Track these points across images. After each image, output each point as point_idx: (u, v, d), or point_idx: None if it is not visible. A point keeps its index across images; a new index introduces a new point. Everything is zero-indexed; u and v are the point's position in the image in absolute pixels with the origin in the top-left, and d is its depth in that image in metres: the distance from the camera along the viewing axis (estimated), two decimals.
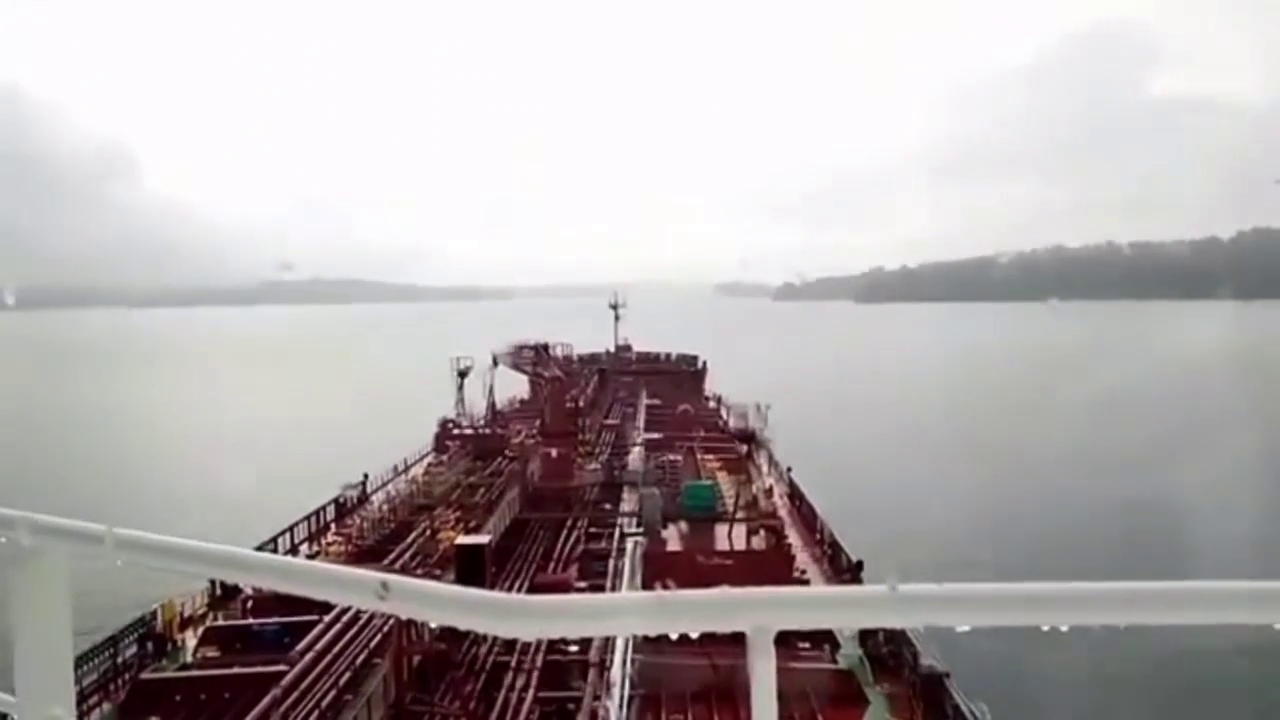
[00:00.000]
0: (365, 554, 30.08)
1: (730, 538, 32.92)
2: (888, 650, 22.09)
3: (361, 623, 21.66)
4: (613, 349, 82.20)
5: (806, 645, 20.33)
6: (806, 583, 26.31)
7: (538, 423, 44.89)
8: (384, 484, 40.87)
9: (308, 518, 34.59)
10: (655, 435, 49.34)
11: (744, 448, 50.07)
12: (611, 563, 29.26)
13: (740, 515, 34.45)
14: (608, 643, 20.16)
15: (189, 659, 23.27)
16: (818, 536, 33.11)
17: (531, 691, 20.79)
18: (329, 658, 20.38)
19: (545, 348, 49.87)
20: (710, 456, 46.45)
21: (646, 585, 25.13)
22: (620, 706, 18.10)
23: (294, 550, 31.65)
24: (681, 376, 74.97)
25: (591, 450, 45.81)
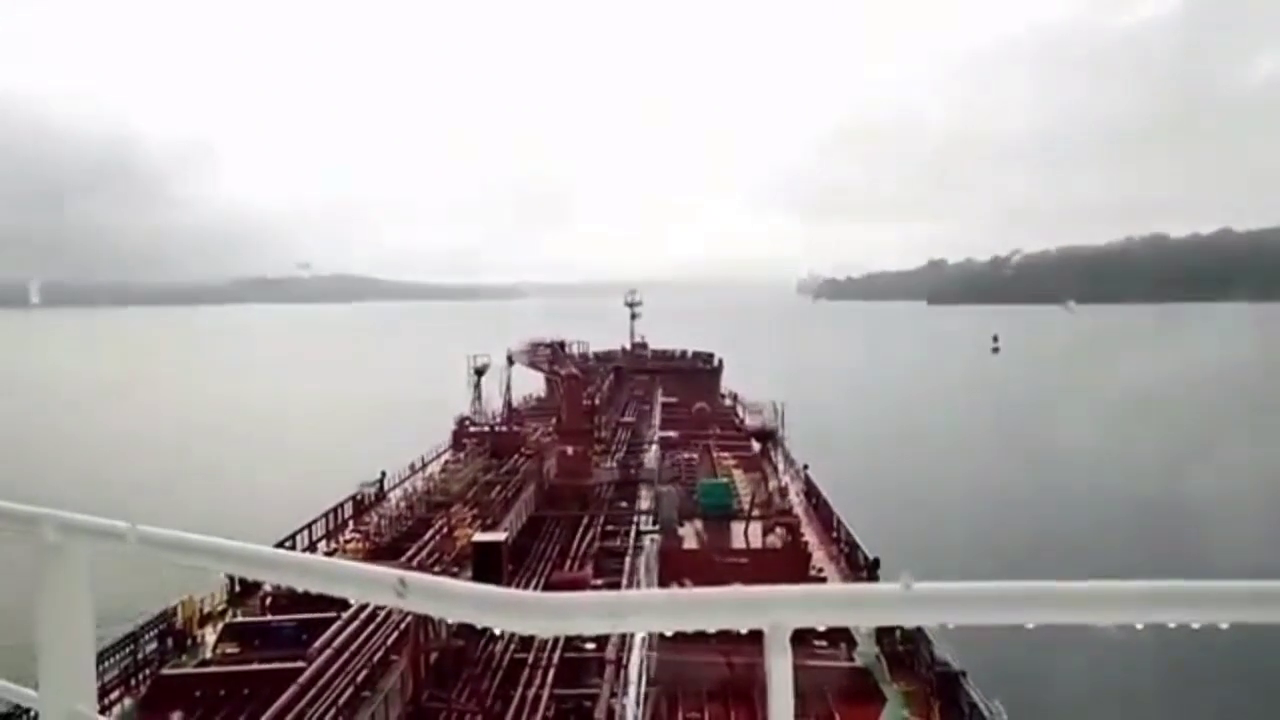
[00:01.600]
0: (383, 551, 30.20)
1: (746, 536, 32.88)
2: (904, 648, 22.05)
3: (379, 620, 21.76)
4: (628, 346, 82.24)
5: (823, 643, 20.31)
6: (822, 580, 26.27)
7: (554, 421, 44.95)
8: (401, 481, 41.04)
9: (325, 515, 34.78)
10: (671, 433, 49.36)
11: (760, 445, 50.05)
12: (628, 560, 29.27)
13: (756, 513, 34.40)
14: (624, 640, 20.16)
15: (208, 655, 23.43)
16: (834, 534, 33.04)
17: (548, 688, 20.83)
18: (346, 654, 20.49)
19: (561, 345, 49.92)
20: (726, 454, 46.42)
21: (662, 583, 25.17)
22: (637, 703, 18.12)
23: (312, 547, 31.83)
24: (697, 374, 74.92)
25: (607, 448, 45.83)
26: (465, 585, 1.74)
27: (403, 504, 36.48)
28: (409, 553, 28.95)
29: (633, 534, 32.39)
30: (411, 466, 43.68)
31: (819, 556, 30.88)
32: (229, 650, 23.33)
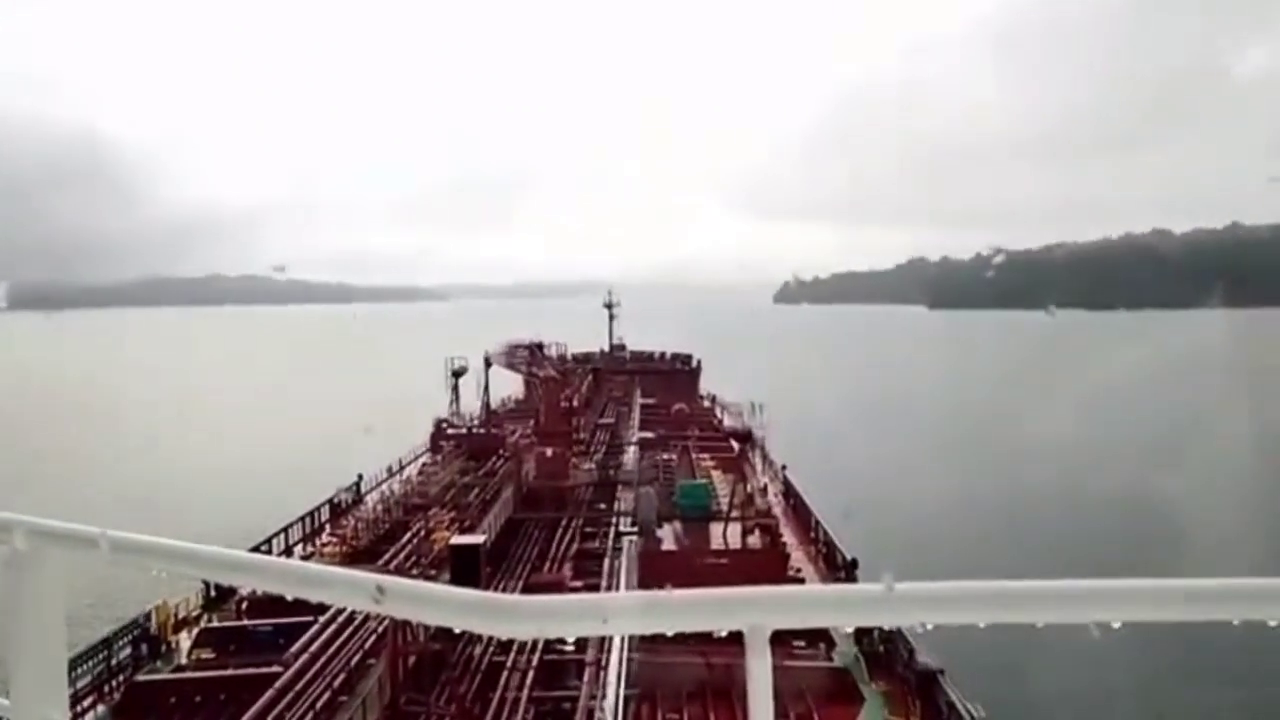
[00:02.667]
0: (360, 555, 30.02)
1: (725, 537, 32.93)
2: (883, 648, 22.14)
3: (356, 623, 21.63)
4: (607, 348, 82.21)
5: (802, 643, 20.40)
6: (801, 581, 26.33)
7: (532, 422, 44.83)
8: (378, 484, 40.81)
9: (302, 519, 34.56)
10: (650, 434, 49.32)
11: (739, 446, 50.14)
12: (606, 562, 29.20)
13: (735, 514, 34.46)
14: (604, 642, 20.14)
15: (183, 661, 23.23)
16: (812, 535, 33.15)
17: (527, 691, 20.77)
18: (324, 659, 20.34)
19: (540, 347, 49.93)
20: (705, 455, 46.48)
21: (642, 585, 25.13)
22: (616, 706, 18.10)
23: (288, 551, 31.62)
24: (676, 375, 75.01)
25: (586, 449, 45.74)
26: (444, 589, 1.73)
27: (380, 507, 36.29)
28: (386, 556, 28.79)
29: (611, 535, 32.30)
30: (389, 469, 43.46)
31: (798, 557, 30.98)
32: (204, 655, 23.15)
